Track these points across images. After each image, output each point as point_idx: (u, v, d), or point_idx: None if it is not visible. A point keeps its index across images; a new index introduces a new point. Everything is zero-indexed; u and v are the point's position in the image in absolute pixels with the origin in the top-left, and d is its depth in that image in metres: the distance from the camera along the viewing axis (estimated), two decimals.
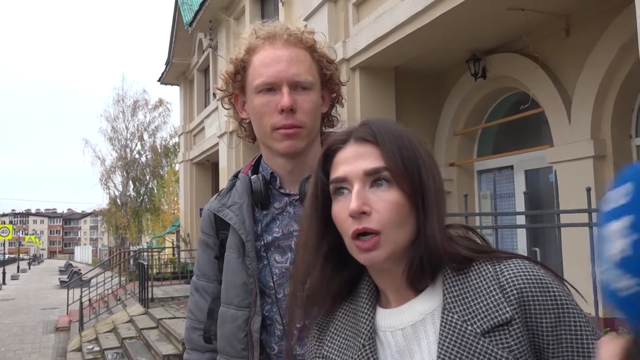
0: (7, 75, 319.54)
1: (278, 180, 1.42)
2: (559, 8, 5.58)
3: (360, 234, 0.93)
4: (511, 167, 7.08)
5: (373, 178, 0.95)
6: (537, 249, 6.24)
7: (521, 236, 6.40)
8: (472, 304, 0.92)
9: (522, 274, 0.92)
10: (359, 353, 0.98)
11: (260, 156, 1.49)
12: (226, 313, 1.41)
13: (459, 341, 0.89)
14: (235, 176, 1.51)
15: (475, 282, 0.93)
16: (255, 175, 1.42)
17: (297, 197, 1.39)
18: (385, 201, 0.94)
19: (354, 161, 0.97)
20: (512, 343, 0.88)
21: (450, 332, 0.90)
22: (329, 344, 1.05)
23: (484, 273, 0.94)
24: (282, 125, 1.31)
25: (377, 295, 1.04)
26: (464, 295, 0.93)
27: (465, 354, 0.87)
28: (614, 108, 5.53)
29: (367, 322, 1.00)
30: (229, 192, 1.47)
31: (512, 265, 0.94)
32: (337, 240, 1.01)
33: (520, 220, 5.41)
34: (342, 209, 0.96)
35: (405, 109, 7.07)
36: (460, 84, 7.44)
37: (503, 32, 6.22)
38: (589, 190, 2.98)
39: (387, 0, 6.16)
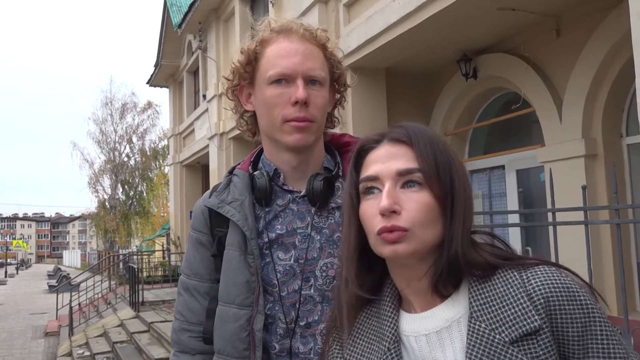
0: None
1: (282, 176, 1.39)
2: (550, 8, 5.61)
3: (384, 231, 0.93)
4: (502, 167, 7.10)
5: (405, 179, 0.95)
6: (529, 248, 6.26)
7: (514, 235, 6.42)
8: (499, 312, 0.91)
9: (549, 281, 0.91)
10: (384, 357, 0.97)
11: (260, 152, 1.47)
12: (227, 312, 1.37)
13: (487, 350, 0.88)
14: (231, 172, 1.48)
15: (502, 289, 0.93)
16: (258, 171, 1.39)
17: (302, 194, 1.38)
18: (415, 201, 0.94)
19: (387, 160, 0.97)
20: (541, 352, 0.87)
21: (479, 341, 0.89)
22: (351, 347, 1.04)
23: (510, 281, 0.93)
24: (294, 118, 1.29)
25: (400, 300, 1.03)
26: (491, 303, 0.92)
27: None
28: (605, 107, 5.57)
29: (392, 325, 1.00)
30: (227, 188, 1.43)
31: (539, 272, 0.93)
32: (363, 241, 1.01)
33: (514, 219, 5.42)
34: (371, 206, 0.97)
35: (396, 110, 7.08)
36: (452, 84, 7.46)
37: (494, 32, 6.24)
38: (584, 188, 2.98)
39: (378, 0, 6.16)
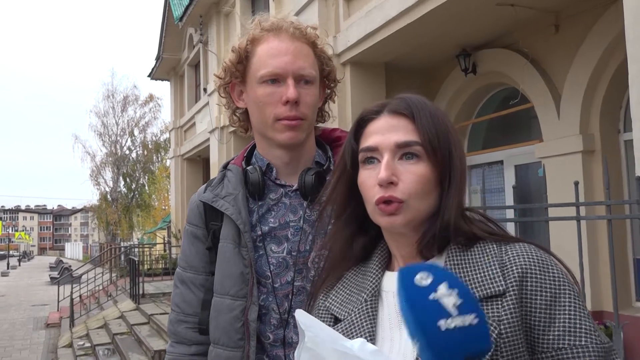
0: None
1: (274, 171, 1.43)
2: (549, 4, 5.62)
3: (385, 200, 0.97)
4: (501, 162, 7.12)
5: (404, 151, 0.98)
6: None
7: (510, 231, 6.40)
8: (468, 274, 0.94)
9: (525, 254, 0.94)
10: (360, 307, 1.02)
11: (253, 147, 1.50)
12: (222, 303, 1.41)
13: None
14: (225, 167, 1.51)
15: (476, 256, 0.97)
16: (251, 166, 1.43)
17: (294, 188, 1.41)
18: (412, 173, 0.97)
19: (387, 132, 1.00)
20: (503, 314, 0.89)
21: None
22: (333, 297, 1.08)
23: (487, 250, 0.97)
24: (285, 117, 1.32)
25: (389, 260, 1.08)
26: (462, 266, 0.96)
27: None
28: (603, 103, 5.58)
29: (374, 281, 1.04)
30: (221, 183, 1.47)
31: (517, 246, 0.96)
32: (359, 207, 1.05)
33: (510, 214, 5.45)
34: (370, 176, 1.00)
35: None
36: (451, 79, 7.46)
37: (493, 28, 6.25)
38: (576, 184, 3.00)
39: None
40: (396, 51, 6.50)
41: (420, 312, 0.73)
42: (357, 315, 1.01)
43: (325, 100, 1.49)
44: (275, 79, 1.32)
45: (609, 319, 4.30)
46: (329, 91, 1.48)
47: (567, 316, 0.88)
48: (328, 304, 1.08)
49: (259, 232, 1.40)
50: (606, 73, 5.51)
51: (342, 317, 1.03)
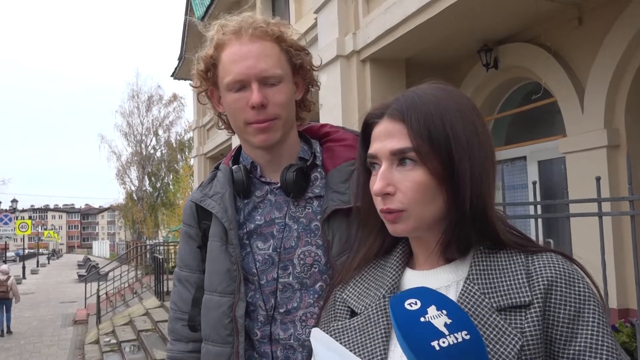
0: (22, 71, 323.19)
1: (259, 169, 1.44)
2: None
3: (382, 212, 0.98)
4: (524, 157, 7.02)
5: (399, 157, 0.96)
6: (550, 240, 6.19)
7: (534, 227, 6.32)
8: (494, 281, 0.93)
9: (552, 265, 0.92)
10: (377, 302, 1.01)
11: (241, 147, 1.52)
12: (210, 300, 1.43)
13: (473, 310, 0.90)
14: (217, 167, 1.54)
15: (503, 263, 0.95)
16: (236, 165, 1.45)
17: (278, 185, 1.42)
18: (410, 181, 0.95)
19: (384, 139, 0.98)
20: (526, 326, 0.87)
21: (467, 300, 0.91)
22: (350, 290, 1.08)
23: (514, 258, 0.95)
24: (255, 120, 1.33)
25: (410, 257, 1.07)
26: (489, 271, 0.94)
27: (475, 323, 0.86)
28: (628, 96, 5.45)
29: (393, 277, 1.03)
30: (210, 182, 1.50)
31: (544, 257, 0.94)
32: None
33: (531, 210, 5.37)
34: (373, 184, 1.00)
35: None
36: (472, 74, 7.38)
37: (514, 22, 6.16)
38: (598, 179, 2.95)
39: None
40: (416, 47, 6.45)
41: (413, 335, 0.75)
42: (374, 311, 1.00)
43: (306, 90, 1.47)
44: (241, 85, 1.32)
45: (635, 316, 4.22)
46: (307, 80, 1.45)
47: (589, 332, 0.86)
48: (345, 296, 1.07)
49: (245, 230, 1.41)
50: (631, 66, 5.39)
51: (359, 311, 1.03)
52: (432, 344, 0.73)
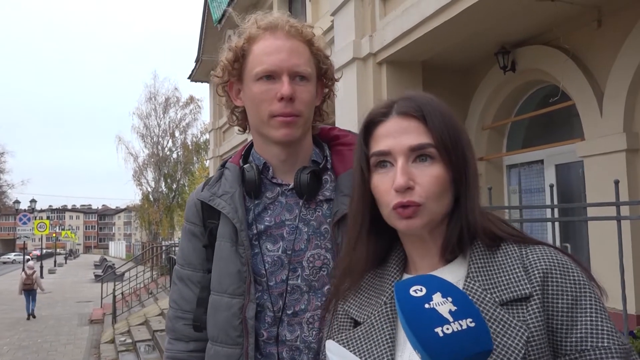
0: (43, 71, 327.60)
1: (271, 169, 1.43)
2: None
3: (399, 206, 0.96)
4: (541, 161, 6.96)
5: (417, 153, 0.97)
6: (567, 245, 6.13)
7: (549, 230, 6.28)
8: (494, 276, 0.95)
9: (546, 257, 0.94)
10: (379, 309, 1.02)
11: (251, 146, 1.51)
12: (220, 301, 1.41)
13: (477, 306, 0.90)
14: (223, 166, 1.53)
15: (500, 259, 0.97)
16: (248, 165, 1.43)
17: (290, 187, 1.41)
18: (429, 175, 0.96)
19: (399, 135, 0.99)
20: (529, 318, 0.89)
21: (470, 297, 0.91)
22: (352, 301, 1.08)
23: (510, 253, 0.97)
24: (280, 113, 1.33)
25: (405, 263, 1.08)
26: (487, 268, 0.96)
27: None
28: None
29: (392, 284, 1.04)
30: (218, 181, 1.48)
31: (537, 249, 0.96)
32: (373, 210, 1.04)
33: (549, 214, 5.32)
34: (384, 181, 0.99)
35: None
36: (489, 77, 7.34)
37: (532, 24, 6.12)
38: (617, 182, 2.91)
39: None
40: (433, 50, 6.43)
41: (417, 321, 0.76)
42: (377, 318, 1.01)
43: (323, 99, 1.48)
44: (270, 76, 1.33)
45: None
46: (327, 90, 1.48)
47: (588, 318, 0.89)
48: (347, 308, 1.08)
49: (255, 231, 1.40)
50: None
51: (362, 320, 1.03)
52: (436, 330, 0.74)
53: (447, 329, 0.73)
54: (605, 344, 0.87)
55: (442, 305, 0.76)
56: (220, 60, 1.45)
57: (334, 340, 1.04)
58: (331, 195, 1.40)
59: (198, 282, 1.50)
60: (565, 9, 5.47)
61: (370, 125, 1.04)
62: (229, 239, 1.41)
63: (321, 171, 1.41)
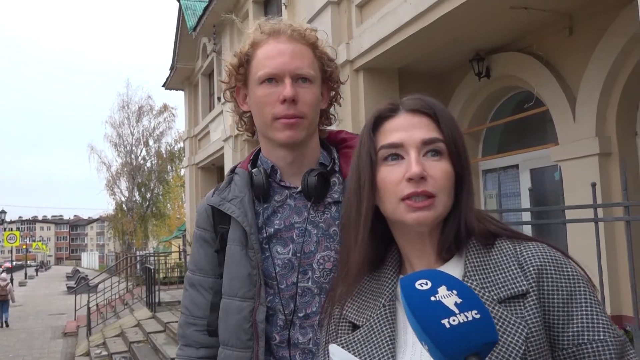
0: (11, 82, 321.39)
1: (279, 173, 1.44)
2: (562, 6, 5.58)
3: (413, 196, 0.96)
4: (516, 166, 7.07)
5: (428, 148, 0.99)
6: None
7: (527, 233, 6.35)
8: (490, 275, 0.96)
9: (540, 253, 0.96)
10: (378, 312, 1.02)
11: (259, 151, 1.52)
12: (231, 305, 1.42)
13: None
14: (232, 171, 1.53)
15: (495, 256, 0.98)
16: (256, 169, 1.44)
17: (298, 190, 1.42)
18: (439, 169, 0.98)
19: (410, 129, 1.00)
20: (526, 314, 0.90)
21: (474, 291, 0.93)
22: (349, 305, 1.08)
23: (504, 250, 0.98)
24: (283, 115, 1.34)
25: (401, 265, 1.08)
26: (483, 267, 0.97)
27: None
28: (619, 105, 5.52)
29: (390, 286, 1.04)
30: (228, 186, 1.49)
31: (531, 246, 0.98)
32: (371, 210, 1.04)
33: (526, 217, 5.40)
34: (394, 172, 0.99)
35: None
36: (464, 83, 7.44)
37: (507, 31, 6.22)
38: (594, 185, 2.98)
39: (390, 1, 6.18)
40: (409, 57, 6.50)
41: (423, 313, 0.77)
42: (376, 321, 1.01)
43: (330, 103, 1.49)
44: (273, 79, 1.35)
45: (628, 322, 4.24)
46: (333, 93, 1.49)
47: (584, 312, 0.91)
48: (345, 312, 1.08)
49: (265, 234, 1.41)
50: (622, 74, 5.46)
51: (361, 324, 1.03)
52: (443, 321, 0.75)
53: (454, 320, 0.75)
54: (602, 337, 0.89)
55: (447, 297, 0.77)
56: (226, 66, 1.46)
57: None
58: (339, 197, 1.41)
59: (210, 287, 1.50)
60: (538, 17, 5.58)
61: (378, 121, 1.06)
62: (239, 242, 1.42)
63: (329, 173, 1.42)
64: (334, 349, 0.92)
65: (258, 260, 1.39)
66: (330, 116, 1.51)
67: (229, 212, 1.43)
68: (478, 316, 0.75)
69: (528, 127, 6.94)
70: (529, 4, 5.35)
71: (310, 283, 1.38)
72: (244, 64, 1.41)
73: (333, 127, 1.55)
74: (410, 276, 0.83)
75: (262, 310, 1.38)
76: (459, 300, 0.77)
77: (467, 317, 0.75)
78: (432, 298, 0.78)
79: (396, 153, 1.00)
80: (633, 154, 5.56)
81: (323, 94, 1.44)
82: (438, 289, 0.79)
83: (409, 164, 0.97)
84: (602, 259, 3.02)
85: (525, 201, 6.75)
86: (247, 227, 1.40)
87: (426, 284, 0.80)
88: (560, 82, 5.98)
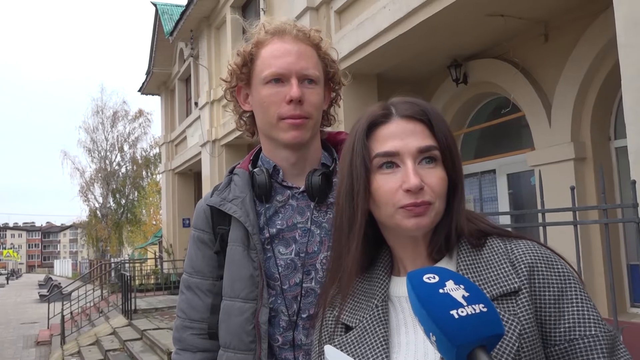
0: None
1: (281, 173, 1.43)
2: (538, 14, 5.69)
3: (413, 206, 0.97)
4: (493, 171, 7.16)
5: (424, 155, 0.99)
6: None
7: None
8: (482, 273, 0.97)
9: (530, 251, 0.97)
10: (371, 312, 1.02)
11: (259, 151, 1.51)
12: (232, 306, 1.40)
13: None
14: (231, 172, 1.52)
15: (487, 255, 0.99)
16: (258, 169, 1.43)
17: (300, 190, 1.41)
18: (435, 177, 0.98)
19: (405, 137, 1.00)
20: (519, 311, 0.91)
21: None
22: (340, 307, 1.08)
23: (495, 249, 1.00)
24: (289, 115, 1.33)
25: (392, 266, 1.08)
26: (475, 265, 0.98)
27: None
28: (593, 111, 5.64)
29: (382, 287, 1.05)
30: (228, 187, 1.47)
31: (521, 244, 0.99)
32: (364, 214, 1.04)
33: (505, 222, 5.47)
34: (390, 181, 0.99)
35: None
36: (442, 89, 7.52)
37: (483, 38, 6.32)
38: (572, 189, 3.03)
39: (369, 7, 6.22)
40: (388, 63, 6.55)
41: (432, 305, 0.78)
42: (370, 322, 1.01)
43: (330, 104, 1.49)
44: (279, 79, 1.34)
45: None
46: (334, 94, 1.49)
47: (575, 308, 0.92)
48: (336, 313, 1.08)
49: (267, 235, 1.39)
50: (596, 81, 5.58)
51: (354, 325, 1.03)
52: (452, 312, 0.76)
53: (462, 311, 0.76)
54: (593, 332, 0.90)
55: (455, 290, 0.79)
56: (229, 65, 1.44)
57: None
58: None
59: (208, 290, 1.47)
60: (514, 24, 5.68)
61: (370, 127, 1.04)
62: (240, 243, 1.40)
63: (331, 174, 1.42)
64: (329, 350, 0.92)
65: (260, 260, 1.37)
66: (330, 117, 1.51)
67: (230, 212, 1.41)
68: (485, 309, 0.77)
69: (505, 133, 7.05)
70: (505, 12, 5.44)
71: (313, 283, 1.37)
72: (247, 63, 1.40)
73: (329, 128, 1.56)
74: (417, 271, 0.84)
75: (264, 312, 1.36)
76: (466, 294, 0.79)
77: (474, 310, 0.76)
78: (441, 290, 0.79)
79: (391, 161, 1.00)
80: (607, 159, 5.68)
81: (324, 95, 1.44)
82: (446, 283, 0.80)
83: (406, 174, 0.97)
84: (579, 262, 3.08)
85: (503, 205, 6.84)
86: (250, 227, 1.38)
87: (434, 277, 0.81)
88: (535, 88, 6.09)
